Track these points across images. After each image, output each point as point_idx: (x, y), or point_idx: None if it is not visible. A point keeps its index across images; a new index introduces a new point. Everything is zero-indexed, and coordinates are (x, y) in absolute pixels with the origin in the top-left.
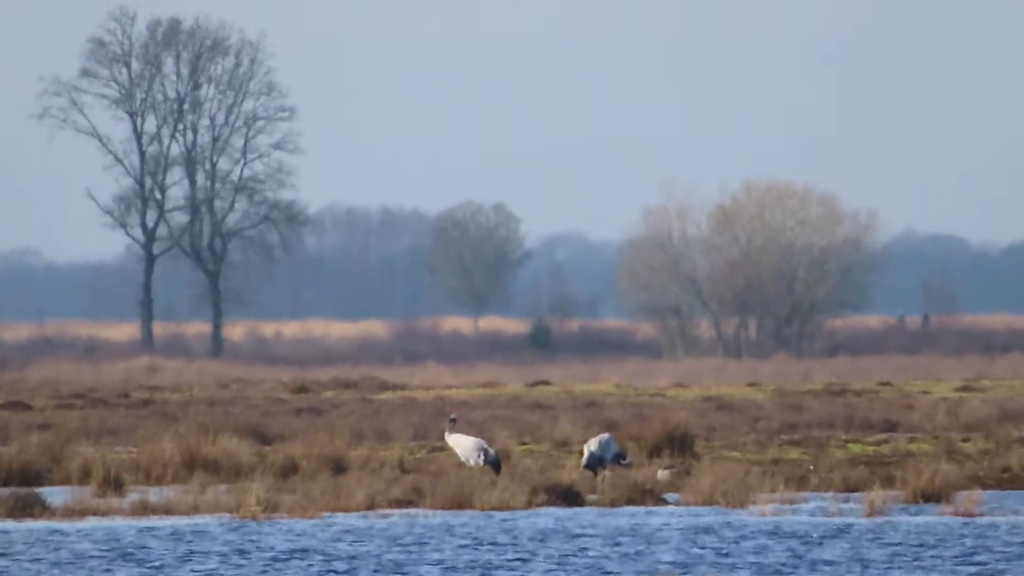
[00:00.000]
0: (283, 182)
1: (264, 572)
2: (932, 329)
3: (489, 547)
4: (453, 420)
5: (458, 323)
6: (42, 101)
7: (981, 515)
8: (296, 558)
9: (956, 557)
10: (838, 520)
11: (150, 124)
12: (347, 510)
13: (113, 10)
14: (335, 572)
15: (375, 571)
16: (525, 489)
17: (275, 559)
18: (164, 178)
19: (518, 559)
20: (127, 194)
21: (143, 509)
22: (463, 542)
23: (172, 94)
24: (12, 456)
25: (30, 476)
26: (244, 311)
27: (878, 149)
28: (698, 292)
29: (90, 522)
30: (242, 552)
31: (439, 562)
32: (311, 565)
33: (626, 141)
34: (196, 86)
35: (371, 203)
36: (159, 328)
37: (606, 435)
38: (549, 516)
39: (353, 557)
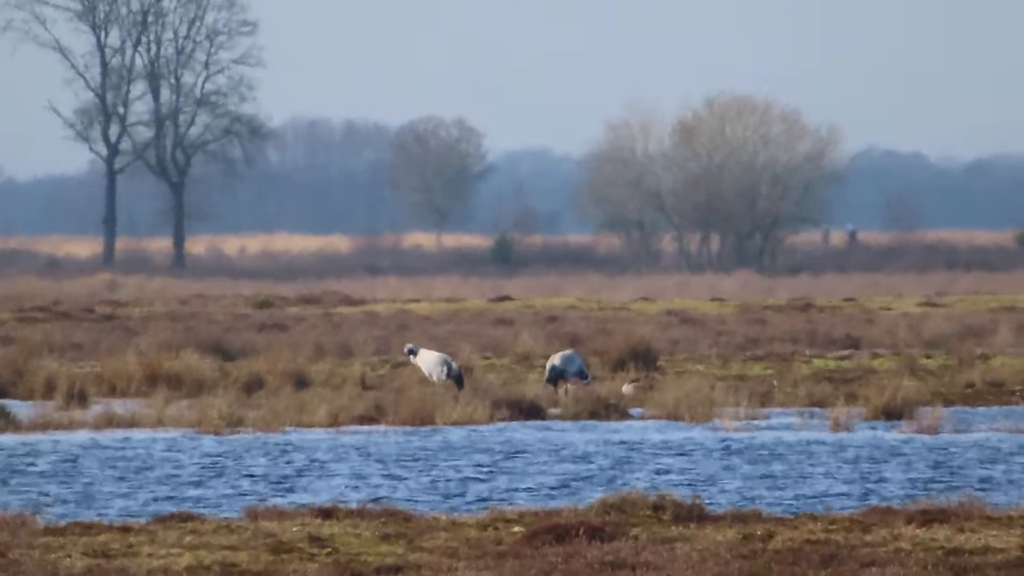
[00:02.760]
0: (245, 96)
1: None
2: (859, 246)
3: (467, 460)
4: (412, 352)
5: (421, 238)
6: (3, 13)
7: (943, 431)
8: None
9: (917, 472)
10: (802, 435)
11: (113, 38)
12: (310, 426)
13: None
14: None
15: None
16: (487, 404)
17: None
18: (128, 92)
19: (480, 471)
20: (89, 108)
21: (107, 422)
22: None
23: (136, 7)
24: None
25: None
26: (206, 226)
27: (839, 64)
28: (661, 207)
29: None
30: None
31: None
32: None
33: (589, 56)
34: None
35: (334, 117)
36: (121, 243)
37: (569, 351)
38: (512, 430)
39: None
